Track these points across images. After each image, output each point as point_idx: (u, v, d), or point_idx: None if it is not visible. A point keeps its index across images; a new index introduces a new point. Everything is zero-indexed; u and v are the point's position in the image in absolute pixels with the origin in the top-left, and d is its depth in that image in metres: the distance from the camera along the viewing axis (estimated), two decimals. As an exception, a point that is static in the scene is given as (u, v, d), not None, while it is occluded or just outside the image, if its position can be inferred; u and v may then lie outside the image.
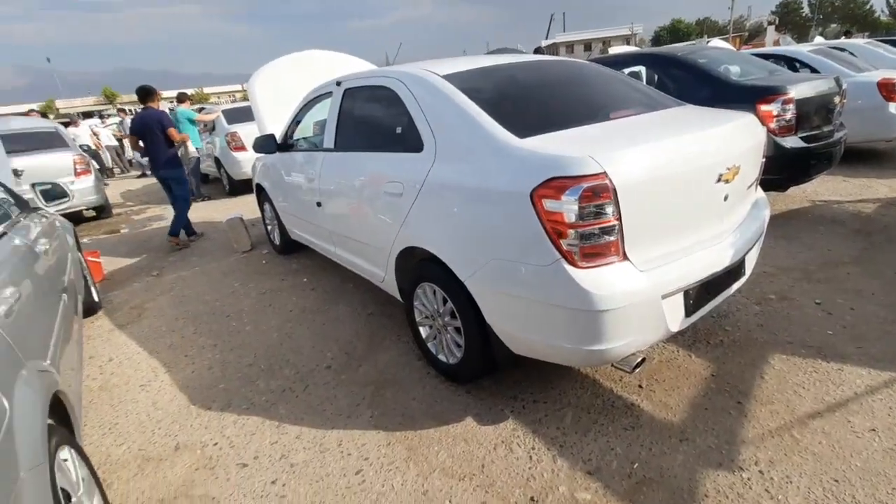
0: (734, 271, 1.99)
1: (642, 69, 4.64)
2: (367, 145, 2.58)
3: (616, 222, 1.55)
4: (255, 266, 4.31)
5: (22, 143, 6.07)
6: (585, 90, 2.37)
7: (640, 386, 2.13)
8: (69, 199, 2.89)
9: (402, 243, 2.27)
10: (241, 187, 7.44)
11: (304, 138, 3.61)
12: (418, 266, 2.27)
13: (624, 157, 1.57)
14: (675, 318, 1.73)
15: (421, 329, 2.41)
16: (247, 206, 5.85)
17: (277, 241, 4.40)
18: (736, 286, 2.09)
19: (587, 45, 56.06)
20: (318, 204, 3.04)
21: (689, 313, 1.80)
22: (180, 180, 5.10)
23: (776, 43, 16.56)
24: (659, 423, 1.91)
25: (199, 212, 6.85)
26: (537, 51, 10.15)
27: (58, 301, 2.09)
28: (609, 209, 1.53)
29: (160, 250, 5.19)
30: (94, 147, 10.49)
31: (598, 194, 1.51)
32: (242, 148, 7.12)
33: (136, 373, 2.71)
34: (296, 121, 3.59)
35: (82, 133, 10.26)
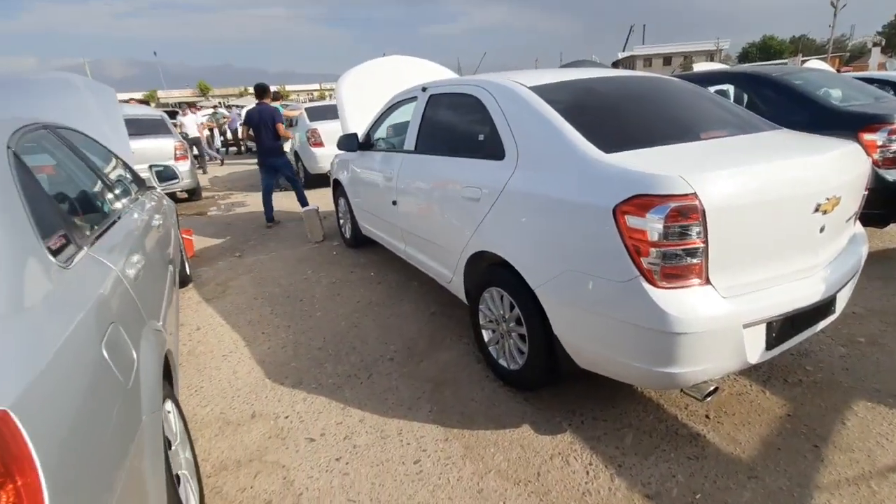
0: (823, 308, 1.87)
1: (730, 88, 4.45)
2: (448, 150, 2.68)
3: (702, 245, 1.52)
4: (326, 256, 4.56)
5: (133, 127, 6.78)
6: (675, 108, 2.32)
7: (707, 416, 2.05)
8: (179, 180, 3.23)
9: (474, 247, 2.34)
10: (316, 181, 7.86)
11: (384, 139, 3.78)
12: (488, 270, 2.33)
13: (716, 179, 1.55)
14: (755, 349, 1.67)
15: (483, 332, 2.46)
16: (320, 200, 6.17)
17: (348, 234, 4.63)
18: (823, 324, 1.97)
19: (666, 59, 53.82)
20: (394, 202, 3.18)
21: (770, 346, 1.73)
22: (286, 165, 5.81)
23: (881, 67, 15.07)
24: (726, 457, 1.84)
25: (278, 202, 7.31)
26: (615, 64, 9.91)
27: (166, 271, 2.35)
28: (695, 231, 1.51)
29: (242, 233, 5.62)
30: (197, 136, 11.49)
31: (685, 215, 1.49)
32: (321, 144, 7.53)
33: (219, 343, 2.98)
34: (378, 122, 3.77)
35: (189, 122, 11.28)
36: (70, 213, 1.60)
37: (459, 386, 2.39)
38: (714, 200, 1.51)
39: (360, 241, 4.43)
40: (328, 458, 1.97)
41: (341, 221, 4.81)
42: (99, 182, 2.17)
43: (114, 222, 1.88)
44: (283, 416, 2.25)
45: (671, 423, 2.03)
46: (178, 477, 1.55)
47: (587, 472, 1.81)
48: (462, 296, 2.66)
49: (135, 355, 1.35)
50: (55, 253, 1.22)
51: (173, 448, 1.59)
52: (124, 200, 2.33)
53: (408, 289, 3.61)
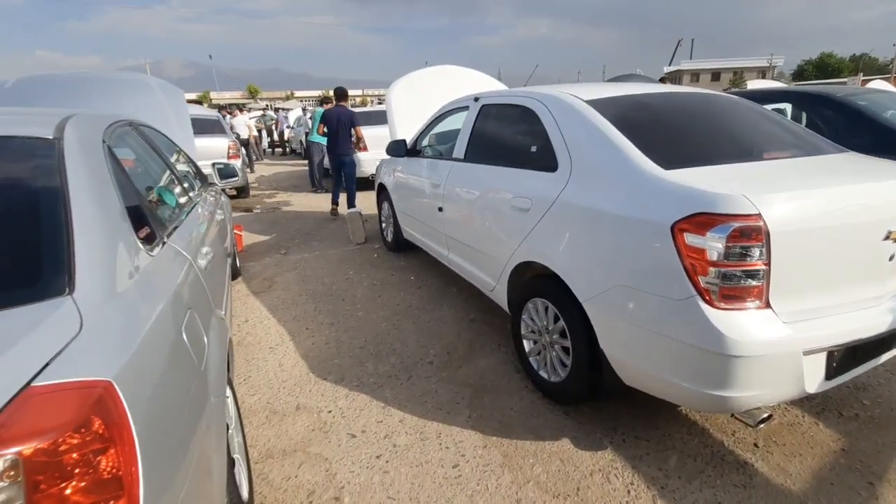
0: (888, 340, 1.79)
1: (787, 107, 4.30)
2: (499, 159, 2.71)
3: (764, 267, 1.49)
4: (367, 258, 4.67)
5: (193, 126, 7.17)
6: (735, 126, 2.28)
7: (755, 444, 1.99)
8: (238, 178, 3.40)
9: (520, 257, 2.36)
10: (358, 184, 8.04)
11: (432, 146, 3.86)
12: (533, 281, 2.34)
13: (782, 200, 1.51)
14: (814, 378, 1.61)
15: (525, 342, 2.47)
16: (362, 203, 6.33)
17: (390, 237, 4.72)
18: (886, 357, 1.87)
19: (715, 75, 52.22)
20: (440, 209, 3.24)
21: (829, 376, 1.66)
22: (352, 164, 6.36)
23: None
24: (775, 489, 1.77)
25: (319, 203, 7.56)
26: (663, 80, 9.73)
27: (225, 263, 2.48)
28: (757, 252, 1.48)
29: (287, 231, 5.82)
30: (246, 137, 12.02)
31: (748, 235, 1.47)
32: (364, 149, 7.71)
33: (266, 335, 3.10)
34: (427, 129, 3.85)
35: (239, 123, 11.81)
36: (152, 204, 1.72)
37: (498, 394, 2.40)
38: (779, 222, 1.48)
39: (401, 245, 4.51)
40: (369, 454, 2.01)
41: (383, 225, 4.91)
42: (173, 177, 2.32)
43: (186, 215, 2.00)
44: (325, 410, 2.32)
45: (717, 448, 1.97)
46: (232, 460, 1.63)
47: (628, 492, 1.78)
48: (504, 304, 2.67)
49: (206, 340, 1.43)
50: (144, 242, 1.33)
51: (230, 432, 1.67)
52: (192, 194, 2.48)
53: (447, 294, 3.65)
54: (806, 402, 2.21)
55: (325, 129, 6.21)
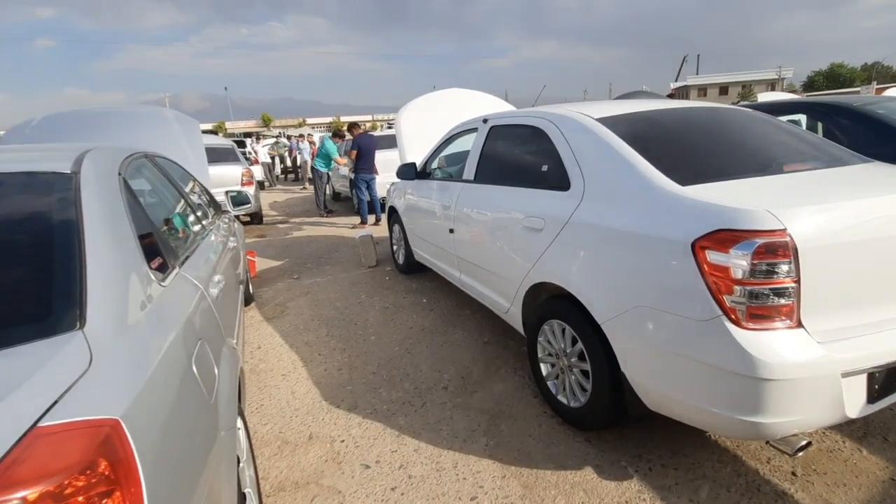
0: (931, 359, 1.68)
1: (802, 118, 4.24)
2: (509, 180, 2.69)
3: (793, 284, 1.42)
4: (379, 281, 4.64)
5: (208, 155, 7.34)
6: (751, 138, 2.23)
7: (793, 473, 1.87)
8: (251, 205, 3.43)
9: (534, 278, 2.30)
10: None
11: (442, 168, 3.86)
12: (548, 302, 2.28)
13: (809, 214, 1.45)
14: (854, 402, 1.51)
15: (542, 366, 2.39)
16: (373, 226, 6.36)
17: (401, 260, 4.70)
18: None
19: (723, 89, 52.20)
20: (451, 230, 3.21)
21: (871, 399, 1.56)
22: (373, 181, 7.30)
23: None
24: (819, 522, 1.65)
25: (334, 228, 7.62)
26: (671, 95, 9.79)
27: (238, 291, 2.47)
28: (785, 269, 1.42)
29: (299, 256, 5.84)
30: (267, 163, 12.38)
31: (774, 252, 1.41)
32: (375, 172, 7.78)
33: (278, 362, 3.06)
34: (437, 152, 3.86)
35: (261, 150, 12.15)
36: (165, 234, 1.72)
37: (516, 420, 2.31)
38: (807, 237, 1.42)
39: (413, 268, 4.49)
40: (384, 487, 1.94)
41: (395, 247, 4.90)
42: (186, 206, 2.34)
43: (198, 244, 2.00)
44: (339, 439, 2.26)
45: (752, 477, 1.86)
46: (243, 495, 1.58)
47: (658, 525, 1.68)
48: (519, 326, 2.61)
49: (216, 371, 1.40)
50: (156, 272, 1.31)
51: (241, 465, 1.62)
52: (205, 223, 2.49)
53: (460, 316, 3.59)
54: (846, 427, 2.09)
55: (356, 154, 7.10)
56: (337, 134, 8.60)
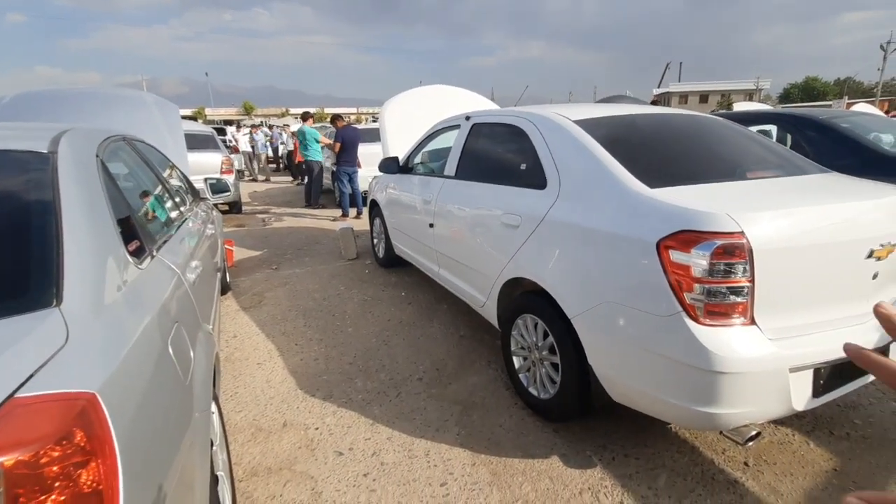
0: (874, 358, 1.80)
1: (773, 129, 4.41)
2: (489, 177, 2.74)
3: (748, 284, 1.51)
4: (358, 273, 4.66)
5: (187, 141, 7.20)
6: (720, 146, 2.33)
7: (745, 463, 1.98)
8: (230, 193, 3.41)
9: (510, 273, 2.37)
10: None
11: (424, 163, 3.90)
12: (522, 297, 2.34)
13: (764, 219, 1.54)
14: (801, 395, 1.62)
15: (514, 359, 2.46)
16: (353, 219, 6.36)
17: (381, 254, 4.73)
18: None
19: (703, 97, 53.40)
20: (431, 225, 3.25)
21: (817, 394, 1.67)
22: (356, 173, 7.35)
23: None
24: (766, 508, 1.76)
25: (315, 220, 7.57)
26: (655, 102, 9.99)
27: (214, 278, 2.47)
28: (741, 269, 1.51)
29: (278, 247, 5.80)
30: (247, 152, 12.21)
31: (731, 253, 1.49)
32: (358, 165, 7.75)
33: (254, 351, 3.06)
34: (420, 147, 3.90)
35: (242, 139, 11.96)
36: (142, 218, 1.72)
37: (487, 411, 2.38)
38: (762, 240, 1.51)
39: (392, 262, 4.52)
40: (356, 472, 1.98)
41: (375, 241, 4.92)
42: (164, 191, 2.32)
43: (176, 229, 2.00)
44: (313, 427, 2.28)
45: (707, 466, 1.96)
46: (216, 478, 1.60)
47: (618, 511, 1.76)
48: (494, 321, 2.67)
49: (192, 354, 1.42)
50: (133, 255, 1.32)
51: (214, 448, 1.64)
52: (183, 209, 2.48)
53: (437, 310, 3.64)
54: (796, 421, 2.22)
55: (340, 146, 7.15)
56: (304, 118, 8.55)
